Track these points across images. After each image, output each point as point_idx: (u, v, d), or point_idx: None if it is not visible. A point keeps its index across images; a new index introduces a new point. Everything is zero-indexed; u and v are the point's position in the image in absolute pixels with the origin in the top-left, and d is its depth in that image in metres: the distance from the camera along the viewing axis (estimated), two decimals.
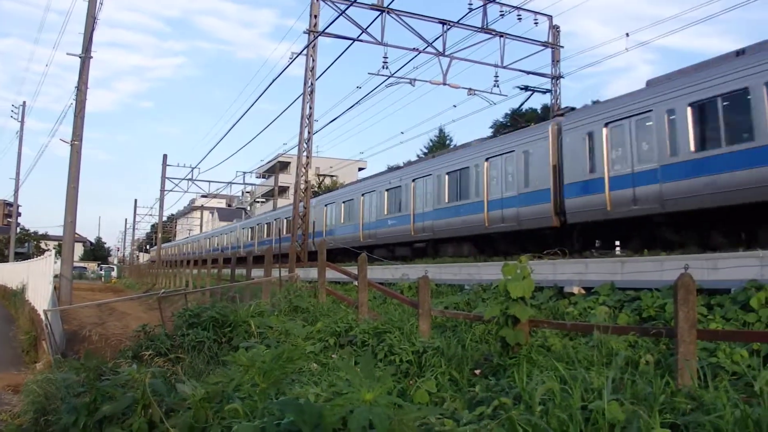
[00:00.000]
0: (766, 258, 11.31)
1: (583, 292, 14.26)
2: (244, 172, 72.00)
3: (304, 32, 30.44)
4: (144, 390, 5.64)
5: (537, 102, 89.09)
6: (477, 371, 8.16)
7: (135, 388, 5.84)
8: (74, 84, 25.66)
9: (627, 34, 37.41)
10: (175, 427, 5.19)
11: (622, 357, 6.15)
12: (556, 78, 35.47)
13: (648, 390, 5.19)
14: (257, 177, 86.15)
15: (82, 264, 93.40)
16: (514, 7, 31.63)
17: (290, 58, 31.59)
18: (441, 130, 71.94)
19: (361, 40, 29.28)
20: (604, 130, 19.80)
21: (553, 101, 35.65)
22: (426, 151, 67.98)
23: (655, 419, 4.48)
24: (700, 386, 5.50)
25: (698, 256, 13.18)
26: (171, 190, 69.45)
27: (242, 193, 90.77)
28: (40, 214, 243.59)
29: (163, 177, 67.85)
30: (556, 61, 35.48)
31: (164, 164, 67.80)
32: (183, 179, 67.36)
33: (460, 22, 30.80)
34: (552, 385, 5.26)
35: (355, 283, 14.77)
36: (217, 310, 12.78)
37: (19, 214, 75.00)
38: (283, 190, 79.99)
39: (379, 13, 29.52)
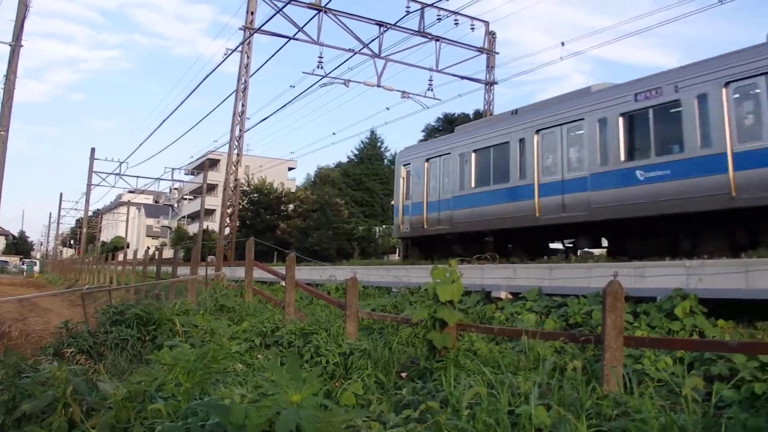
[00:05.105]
0: (692, 267, 11.55)
1: (510, 297, 14.35)
2: (173, 169, 70.99)
3: (240, 29, 30.23)
4: (65, 388, 5.45)
5: (469, 107, 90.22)
6: (403, 374, 8.10)
7: (56, 386, 5.65)
8: (3, 73, 24.92)
9: (563, 43, 38.00)
10: (95, 427, 5.01)
11: (550, 362, 6.13)
12: (490, 84, 35.81)
13: (574, 395, 5.19)
14: (186, 174, 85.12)
15: (3, 258, 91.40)
16: (451, 11, 31.95)
17: (225, 54, 31.18)
18: (373, 132, 72.08)
19: (297, 39, 29.22)
20: None
21: (485, 107, 35.95)
22: (357, 153, 67.83)
23: (582, 424, 4.46)
24: (626, 392, 5.53)
25: (626, 264, 13.38)
26: (98, 185, 68.09)
27: (170, 189, 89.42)
28: None
29: (91, 171, 66.59)
30: (490, 67, 35.86)
31: (92, 158, 66.62)
32: (111, 174, 66.16)
33: (397, 24, 30.84)
34: (479, 389, 5.23)
35: (282, 283, 14.56)
36: (142, 308, 12.46)
37: None
38: (211, 188, 79.09)
39: (316, 12, 29.36)
